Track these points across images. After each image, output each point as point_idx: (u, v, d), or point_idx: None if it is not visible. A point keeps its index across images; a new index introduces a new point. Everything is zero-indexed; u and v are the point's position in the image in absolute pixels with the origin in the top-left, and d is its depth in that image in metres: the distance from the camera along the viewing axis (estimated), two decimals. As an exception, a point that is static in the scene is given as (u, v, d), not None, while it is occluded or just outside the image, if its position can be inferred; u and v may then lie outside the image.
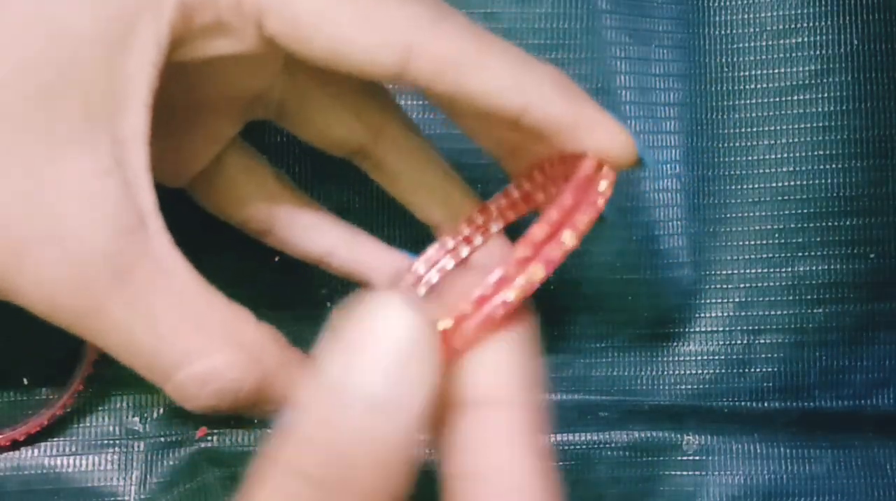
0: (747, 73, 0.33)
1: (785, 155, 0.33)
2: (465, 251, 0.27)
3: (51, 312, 0.19)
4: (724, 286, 0.33)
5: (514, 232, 0.33)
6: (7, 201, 0.18)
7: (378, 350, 0.14)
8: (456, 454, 0.16)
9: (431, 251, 0.27)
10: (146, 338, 0.20)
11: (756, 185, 0.33)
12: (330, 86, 0.25)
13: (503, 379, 0.17)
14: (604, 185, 0.20)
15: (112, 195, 0.19)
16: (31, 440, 0.30)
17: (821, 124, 0.33)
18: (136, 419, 0.31)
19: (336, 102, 0.26)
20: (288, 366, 0.22)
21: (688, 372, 0.33)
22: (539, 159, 0.24)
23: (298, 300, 0.32)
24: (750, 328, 0.33)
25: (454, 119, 0.26)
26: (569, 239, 0.19)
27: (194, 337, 0.20)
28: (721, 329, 0.33)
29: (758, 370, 0.33)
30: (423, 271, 0.27)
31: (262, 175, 0.27)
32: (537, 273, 0.18)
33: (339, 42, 0.20)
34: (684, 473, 0.32)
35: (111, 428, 0.31)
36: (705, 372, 0.33)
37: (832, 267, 0.33)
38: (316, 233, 0.28)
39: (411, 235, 0.31)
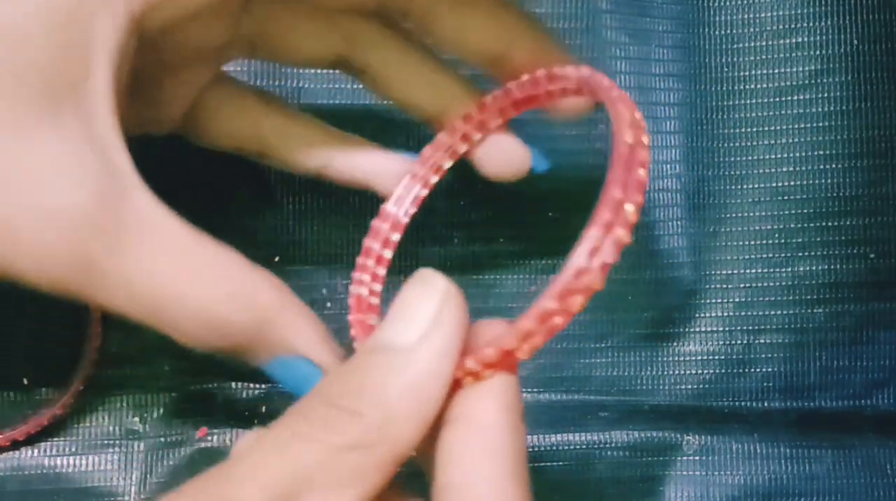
0: (747, 73, 0.33)
1: (785, 155, 0.33)
2: (463, 148, 0.27)
3: (50, 282, 0.20)
4: (724, 286, 0.33)
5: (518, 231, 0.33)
6: None
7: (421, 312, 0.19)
8: (441, 465, 0.18)
9: (429, 150, 0.27)
10: (144, 290, 0.21)
11: (756, 185, 0.33)
12: (289, 5, 0.25)
13: (491, 403, 0.19)
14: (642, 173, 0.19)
15: (87, 163, 0.20)
16: (32, 440, 0.30)
17: (821, 124, 0.33)
18: (136, 419, 0.31)
19: (301, 20, 0.26)
20: (287, 311, 0.22)
21: (688, 372, 0.33)
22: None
23: (298, 300, 0.32)
24: (750, 328, 0.33)
25: (429, 28, 0.26)
26: (623, 235, 0.18)
27: (191, 283, 0.21)
28: (721, 329, 0.33)
29: (758, 370, 0.33)
30: (422, 171, 0.27)
31: (246, 100, 0.27)
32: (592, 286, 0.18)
33: None
34: (684, 473, 0.32)
35: (111, 428, 0.31)
36: (705, 372, 0.33)
37: (832, 267, 0.33)
38: (310, 146, 0.28)
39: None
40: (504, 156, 0.27)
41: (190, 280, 0.21)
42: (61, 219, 0.19)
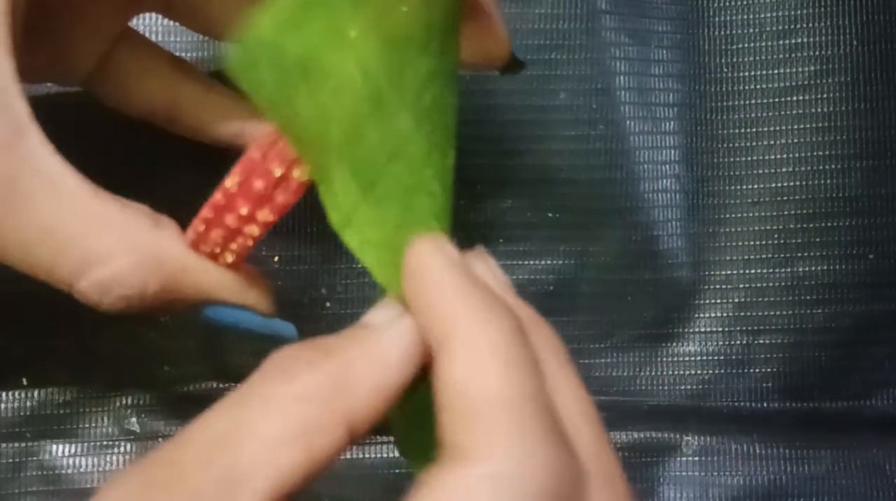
0: (747, 74, 0.33)
1: (784, 155, 0.33)
2: None
3: None
4: (724, 286, 0.33)
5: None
6: None
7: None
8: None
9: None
10: (43, 249, 0.20)
11: (755, 186, 0.33)
12: None
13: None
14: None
15: None
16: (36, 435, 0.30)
17: (820, 125, 0.33)
18: (135, 419, 0.31)
19: None
20: (194, 266, 0.22)
21: (688, 372, 0.33)
22: None
23: (298, 300, 0.32)
24: (750, 328, 0.33)
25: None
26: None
27: (91, 243, 0.20)
28: (721, 329, 0.33)
29: (757, 370, 0.33)
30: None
31: (158, 62, 0.27)
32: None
33: None
34: (683, 473, 0.32)
35: (111, 429, 0.31)
36: (705, 372, 0.33)
37: (832, 267, 0.33)
38: (222, 115, 0.27)
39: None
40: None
41: (86, 234, 0.20)
42: None
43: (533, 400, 0.16)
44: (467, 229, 0.33)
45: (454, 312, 0.17)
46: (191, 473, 0.16)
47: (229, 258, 0.22)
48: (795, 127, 0.33)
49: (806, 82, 0.33)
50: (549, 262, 0.33)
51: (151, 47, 0.27)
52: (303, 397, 0.17)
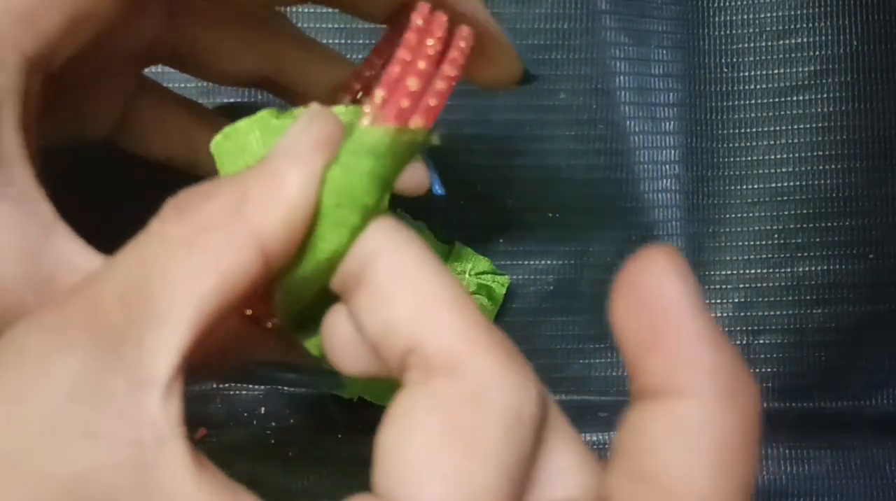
0: (747, 74, 0.33)
1: (784, 155, 0.33)
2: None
3: None
4: (724, 286, 0.33)
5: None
6: None
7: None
8: None
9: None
10: None
11: (755, 185, 0.33)
12: (216, 24, 0.25)
13: None
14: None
15: (6, 217, 0.20)
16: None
17: (820, 124, 0.33)
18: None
19: (225, 39, 0.26)
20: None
21: (687, 372, 0.33)
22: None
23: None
24: (750, 328, 0.33)
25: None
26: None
27: None
28: (721, 329, 0.33)
29: (757, 370, 0.33)
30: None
31: (176, 111, 0.28)
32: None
33: None
34: (684, 473, 0.32)
35: (110, 429, 0.31)
36: (705, 372, 0.33)
37: (832, 267, 0.33)
38: None
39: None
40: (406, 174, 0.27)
41: None
42: None
43: None
44: (467, 229, 0.33)
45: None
46: (110, 312, 0.16)
47: (419, 121, 0.20)
48: (795, 127, 0.33)
49: (806, 82, 0.33)
50: (549, 262, 0.33)
51: (168, 96, 0.28)
52: (202, 225, 0.16)
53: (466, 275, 0.32)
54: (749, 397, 0.14)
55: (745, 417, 0.14)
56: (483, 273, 0.32)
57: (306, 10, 0.33)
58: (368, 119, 0.19)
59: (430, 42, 0.21)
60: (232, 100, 0.33)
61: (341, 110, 0.21)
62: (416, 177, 0.27)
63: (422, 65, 0.20)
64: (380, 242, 0.17)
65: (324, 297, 0.18)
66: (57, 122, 0.23)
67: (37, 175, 0.20)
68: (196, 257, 0.16)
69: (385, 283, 0.16)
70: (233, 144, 0.23)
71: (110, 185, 0.30)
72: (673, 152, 0.33)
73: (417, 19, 0.21)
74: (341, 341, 0.18)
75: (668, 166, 0.33)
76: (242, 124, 0.23)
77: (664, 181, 0.33)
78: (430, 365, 0.15)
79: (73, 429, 0.15)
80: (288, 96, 0.28)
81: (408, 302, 0.16)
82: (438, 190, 0.28)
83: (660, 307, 0.15)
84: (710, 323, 0.15)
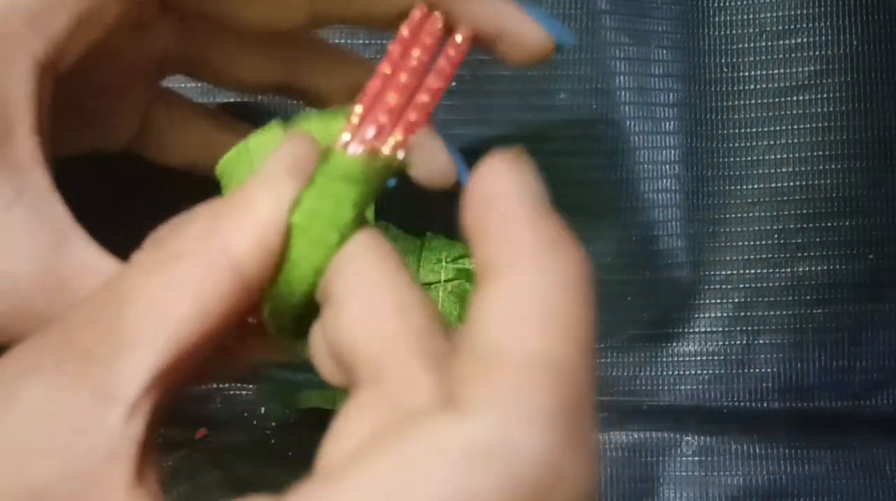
0: (747, 74, 0.33)
1: (784, 155, 0.33)
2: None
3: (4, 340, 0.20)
4: (724, 286, 0.33)
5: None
6: None
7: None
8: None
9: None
10: None
11: (755, 185, 0.33)
12: (231, 36, 0.26)
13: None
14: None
15: (22, 222, 0.20)
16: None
17: (820, 124, 0.33)
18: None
19: (241, 51, 0.26)
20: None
21: (687, 372, 0.33)
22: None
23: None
24: (749, 328, 0.33)
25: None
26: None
27: None
28: (720, 329, 0.33)
29: (757, 370, 0.33)
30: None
31: (195, 119, 0.28)
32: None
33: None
34: (683, 473, 0.32)
35: (110, 429, 0.31)
36: (705, 372, 0.33)
37: (832, 267, 0.33)
38: None
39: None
40: (433, 166, 0.26)
41: None
42: (6, 285, 0.19)
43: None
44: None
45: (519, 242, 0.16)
46: (82, 336, 0.16)
47: (399, 136, 0.20)
48: (795, 127, 0.33)
49: (806, 82, 0.33)
50: (548, 262, 0.33)
51: (186, 104, 0.28)
52: (175, 252, 0.17)
53: (443, 264, 0.32)
54: (570, 260, 0.15)
55: (568, 277, 0.15)
56: (460, 257, 0.32)
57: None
58: (347, 135, 0.19)
59: (415, 54, 0.21)
60: (232, 99, 0.33)
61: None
62: (442, 171, 0.27)
63: (404, 78, 0.20)
64: (346, 257, 0.17)
65: (316, 309, 0.18)
66: (75, 133, 0.23)
67: (52, 180, 0.21)
68: (168, 281, 0.16)
69: (340, 295, 0.17)
70: (233, 165, 0.23)
71: (130, 191, 0.30)
72: (673, 152, 0.33)
73: (404, 30, 0.21)
74: (319, 352, 0.18)
75: (668, 166, 0.33)
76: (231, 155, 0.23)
77: (664, 181, 0.33)
78: (357, 374, 0.16)
79: (34, 447, 0.15)
80: (305, 98, 0.27)
81: (352, 312, 0.16)
82: (465, 180, 0.28)
83: (489, 198, 0.16)
84: (534, 206, 0.16)
